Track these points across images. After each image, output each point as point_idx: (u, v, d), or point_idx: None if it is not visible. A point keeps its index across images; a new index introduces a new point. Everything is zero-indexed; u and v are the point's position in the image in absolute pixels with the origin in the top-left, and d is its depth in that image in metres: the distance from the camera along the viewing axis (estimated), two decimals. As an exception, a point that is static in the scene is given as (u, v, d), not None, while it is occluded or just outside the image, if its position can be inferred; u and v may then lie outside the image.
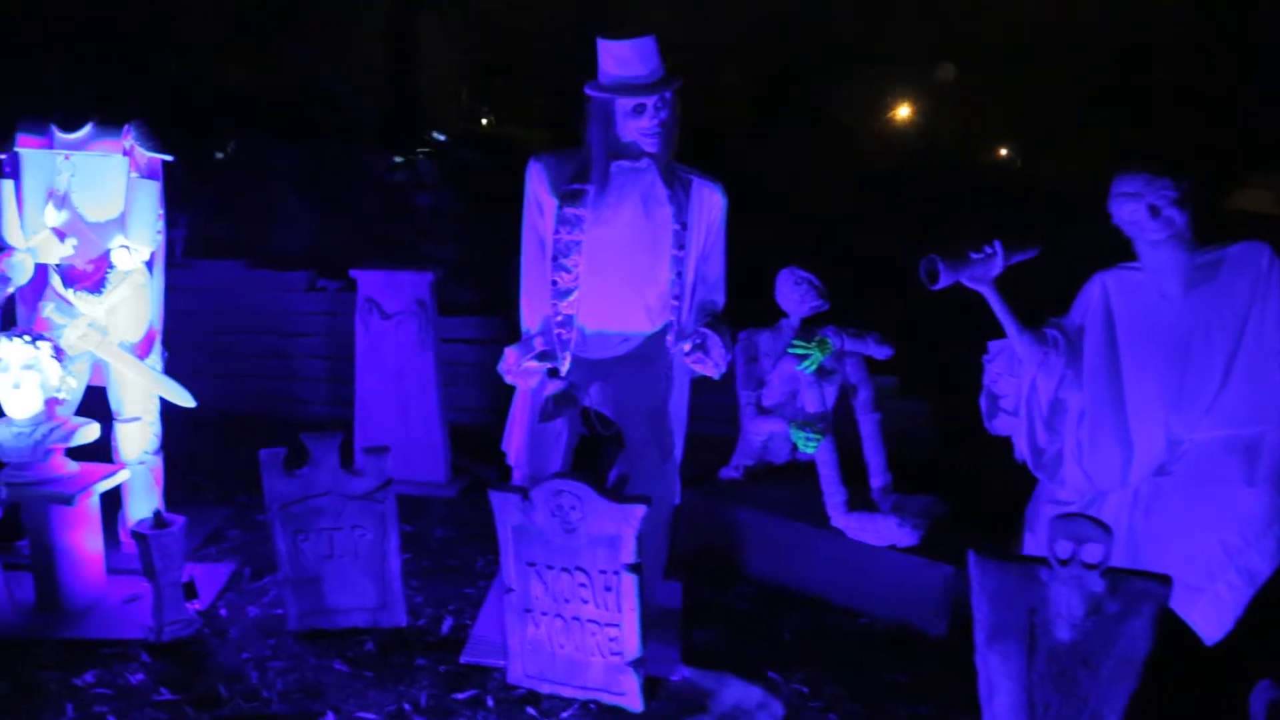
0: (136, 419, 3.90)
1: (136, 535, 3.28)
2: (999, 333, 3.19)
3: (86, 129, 3.70)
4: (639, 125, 2.98)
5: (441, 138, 9.46)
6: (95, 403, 3.83)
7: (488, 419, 5.96)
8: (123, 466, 3.79)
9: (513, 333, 5.90)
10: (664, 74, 2.97)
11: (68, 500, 3.38)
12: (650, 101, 2.94)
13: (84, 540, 3.52)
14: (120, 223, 3.71)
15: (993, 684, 2.54)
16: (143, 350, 3.87)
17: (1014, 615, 2.48)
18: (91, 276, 3.72)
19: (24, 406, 3.36)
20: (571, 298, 3.12)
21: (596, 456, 3.76)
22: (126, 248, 3.70)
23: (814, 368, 3.80)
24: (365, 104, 9.46)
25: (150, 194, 3.77)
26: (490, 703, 3.05)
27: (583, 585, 2.98)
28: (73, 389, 3.64)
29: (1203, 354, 2.96)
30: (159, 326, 3.97)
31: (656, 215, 3.08)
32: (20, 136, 3.64)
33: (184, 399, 3.87)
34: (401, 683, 3.14)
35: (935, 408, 5.44)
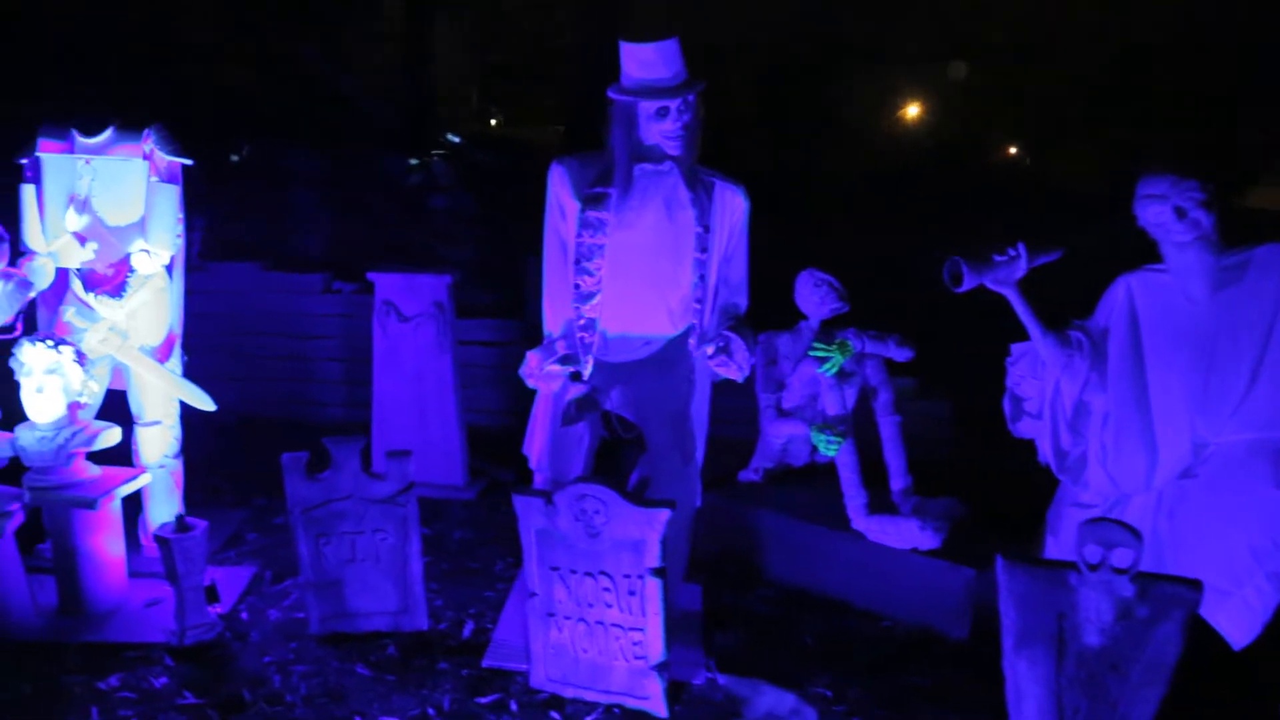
0: (157, 423, 3.91)
1: (159, 539, 3.28)
2: (1016, 333, 3.17)
3: (107, 134, 3.70)
4: (662, 128, 2.97)
5: (456, 139, 9.47)
6: (115, 406, 3.84)
7: (504, 421, 5.96)
8: (143, 470, 3.80)
9: (530, 334, 5.93)
10: (687, 76, 2.96)
11: (90, 504, 3.39)
12: (674, 104, 2.93)
13: (106, 544, 3.53)
14: (140, 227, 3.71)
15: (1021, 689, 2.53)
16: (163, 354, 3.88)
17: (1042, 620, 2.48)
18: (112, 280, 3.72)
19: (47, 411, 3.37)
20: (594, 301, 3.11)
21: (616, 460, 3.77)
22: (147, 252, 3.71)
23: (835, 370, 3.79)
24: (378, 106, 9.48)
25: (170, 198, 3.77)
26: (514, 707, 3.05)
27: (606, 589, 2.97)
28: (94, 393, 3.65)
29: (1229, 356, 2.94)
30: (179, 330, 3.97)
31: (679, 218, 3.07)
32: (41, 141, 3.65)
33: (204, 403, 3.87)
34: (424, 687, 3.14)
35: (954, 409, 5.42)
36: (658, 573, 2.89)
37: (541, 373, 3.17)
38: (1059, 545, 3.28)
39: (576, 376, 3.15)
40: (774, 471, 4.35)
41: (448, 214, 7.08)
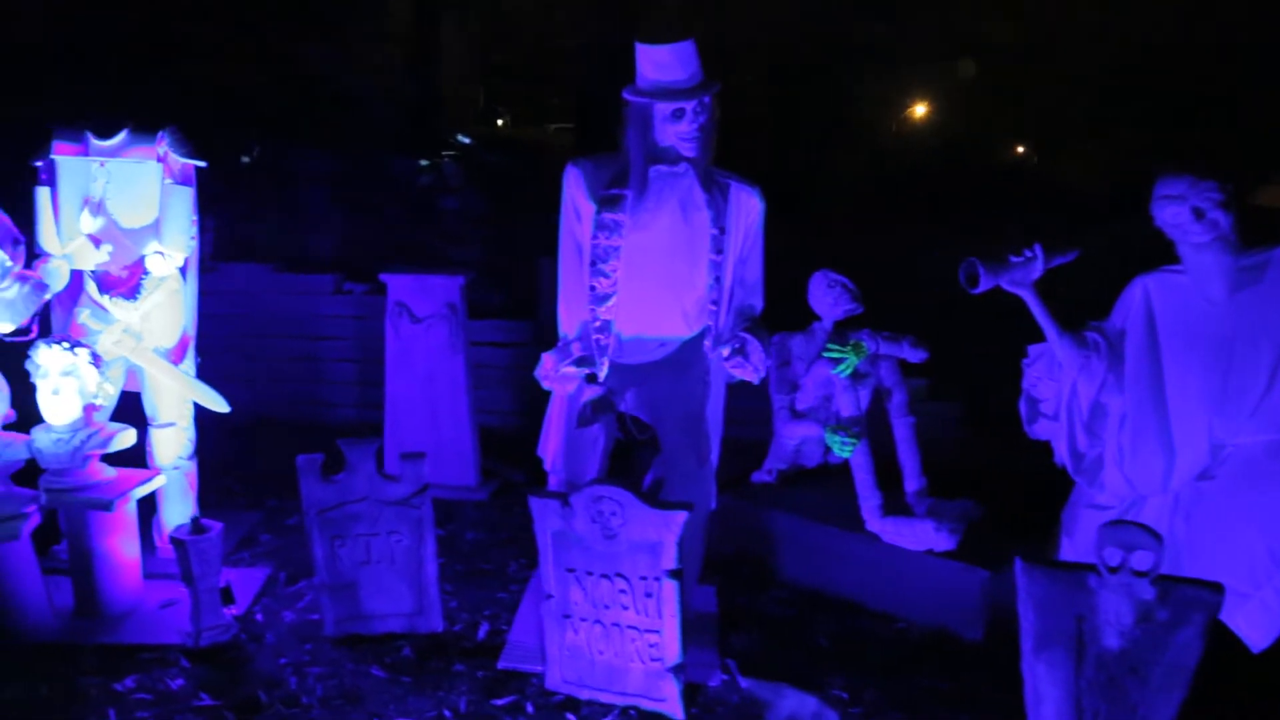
0: (171, 424, 3.92)
1: (175, 541, 3.29)
2: (1025, 334, 3.16)
3: (121, 136, 3.71)
4: (678, 130, 2.97)
5: (466, 140, 9.47)
6: (130, 408, 3.85)
7: (515, 421, 5.97)
8: (158, 472, 3.81)
9: (541, 335, 5.94)
10: (703, 78, 2.96)
11: (107, 506, 3.39)
12: (689, 106, 2.93)
13: (121, 545, 3.53)
14: (155, 229, 3.72)
15: (1039, 692, 2.53)
16: (177, 355, 3.88)
17: (1061, 623, 2.47)
18: (127, 282, 3.73)
19: (63, 413, 3.38)
20: (610, 303, 3.11)
21: (629, 461, 3.77)
22: (161, 253, 3.71)
23: (849, 372, 3.78)
24: (385, 107, 9.48)
25: (184, 200, 3.78)
26: (530, 709, 3.05)
27: (623, 591, 2.97)
28: (109, 395, 3.67)
29: (1248, 357, 2.92)
30: (193, 332, 3.98)
31: (695, 220, 3.07)
32: (56, 144, 3.66)
33: (218, 404, 3.88)
34: (440, 689, 3.14)
35: (964, 410, 5.41)
36: (674, 575, 2.89)
37: (557, 375, 3.16)
38: (1074, 547, 3.27)
39: (592, 378, 3.15)
40: (787, 473, 4.35)
41: (458, 215, 7.09)
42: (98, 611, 3.49)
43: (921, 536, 3.65)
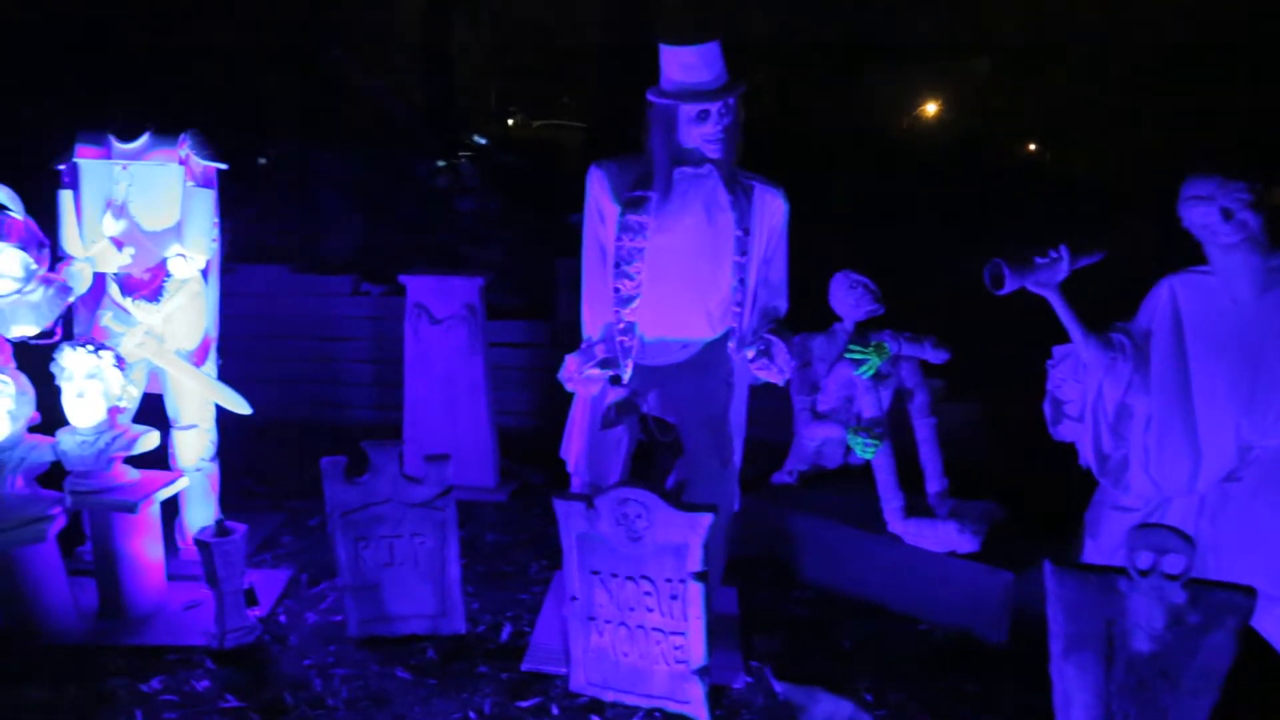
0: (193, 426, 3.93)
1: (200, 543, 3.30)
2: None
3: (143, 139, 3.72)
4: (703, 131, 2.96)
5: (482, 141, 9.49)
6: (151, 410, 3.86)
7: (533, 422, 5.98)
8: (181, 474, 3.82)
9: (558, 336, 5.94)
10: (728, 79, 2.95)
11: (131, 508, 3.40)
12: (714, 107, 2.93)
13: (146, 547, 3.55)
14: (176, 231, 3.73)
15: (1069, 695, 2.51)
16: (199, 357, 3.89)
17: (1091, 626, 2.46)
18: (149, 285, 3.74)
19: (88, 415, 3.39)
20: (634, 305, 3.11)
21: (649, 462, 3.76)
22: (183, 256, 3.72)
23: (872, 373, 3.77)
24: (400, 106, 9.50)
25: (206, 202, 3.78)
26: (555, 711, 3.05)
27: (648, 594, 2.97)
28: (133, 397, 3.68)
29: (1276, 358, 2.90)
30: (214, 334, 3.99)
31: (719, 221, 3.07)
32: (79, 147, 3.67)
33: (240, 406, 3.89)
34: (464, 691, 3.14)
35: (982, 411, 5.39)
36: (700, 577, 2.89)
37: (581, 376, 3.17)
38: (1098, 548, 3.26)
39: (616, 380, 3.15)
40: (808, 474, 4.34)
41: (474, 215, 7.10)
42: (122, 613, 3.51)
43: (945, 538, 3.64)
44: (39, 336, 3.48)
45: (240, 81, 8.01)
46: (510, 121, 18.06)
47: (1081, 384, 3.22)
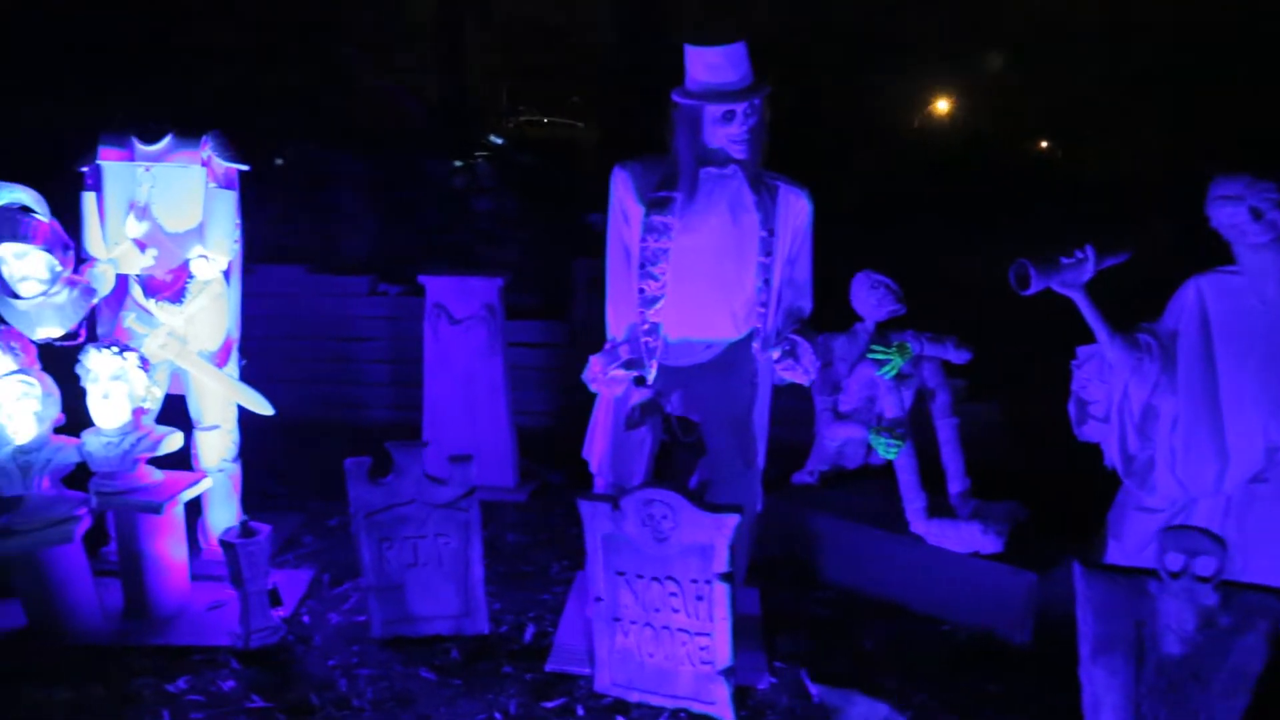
0: (216, 427, 3.95)
1: (224, 544, 3.31)
2: (1074, 334, 3.14)
3: (166, 141, 3.73)
4: (728, 132, 2.96)
5: (498, 140, 9.50)
6: (174, 410, 3.87)
7: (551, 422, 5.98)
8: (204, 475, 3.83)
9: (575, 336, 5.94)
10: (753, 80, 2.95)
11: (156, 509, 3.42)
12: (740, 108, 2.92)
13: (170, 548, 3.56)
14: (199, 233, 3.74)
15: (1098, 697, 2.51)
16: (221, 358, 3.91)
17: (1121, 628, 2.45)
18: (171, 286, 3.75)
19: (113, 416, 3.41)
20: (658, 305, 3.11)
21: (670, 463, 3.76)
22: (205, 257, 3.74)
23: (894, 373, 3.76)
24: (416, 105, 9.51)
25: (228, 204, 3.79)
26: (580, 711, 3.05)
27: (673, 594, 2.97)
28: (156, 398, 3.69)
29: (1305, 359, 2.89)
30: (236, 335, 4.00)
31: (744, 222, 3.06)
32: (102, 149, 3.68)
33: (262, 407, 3.90)
34: (489, 691, 3.15)
35: (1002, 411, 5.38)
36: (725, 578, 2.88)
37: (605, 377, 3.17)
38: (1122, 549, 3.25)
39: (640, 381, 3.15)
40: (829, 474, 4.34)
41: (491, 215, 7.11)
42: (147, 613, 3.52)
43: (967, 538, 3.63)
44: (64, 338, 3.50)
45: (256, 82, 8.03)
46: (519, 120, 18.05)
47: (1107, 384, 3.21)
